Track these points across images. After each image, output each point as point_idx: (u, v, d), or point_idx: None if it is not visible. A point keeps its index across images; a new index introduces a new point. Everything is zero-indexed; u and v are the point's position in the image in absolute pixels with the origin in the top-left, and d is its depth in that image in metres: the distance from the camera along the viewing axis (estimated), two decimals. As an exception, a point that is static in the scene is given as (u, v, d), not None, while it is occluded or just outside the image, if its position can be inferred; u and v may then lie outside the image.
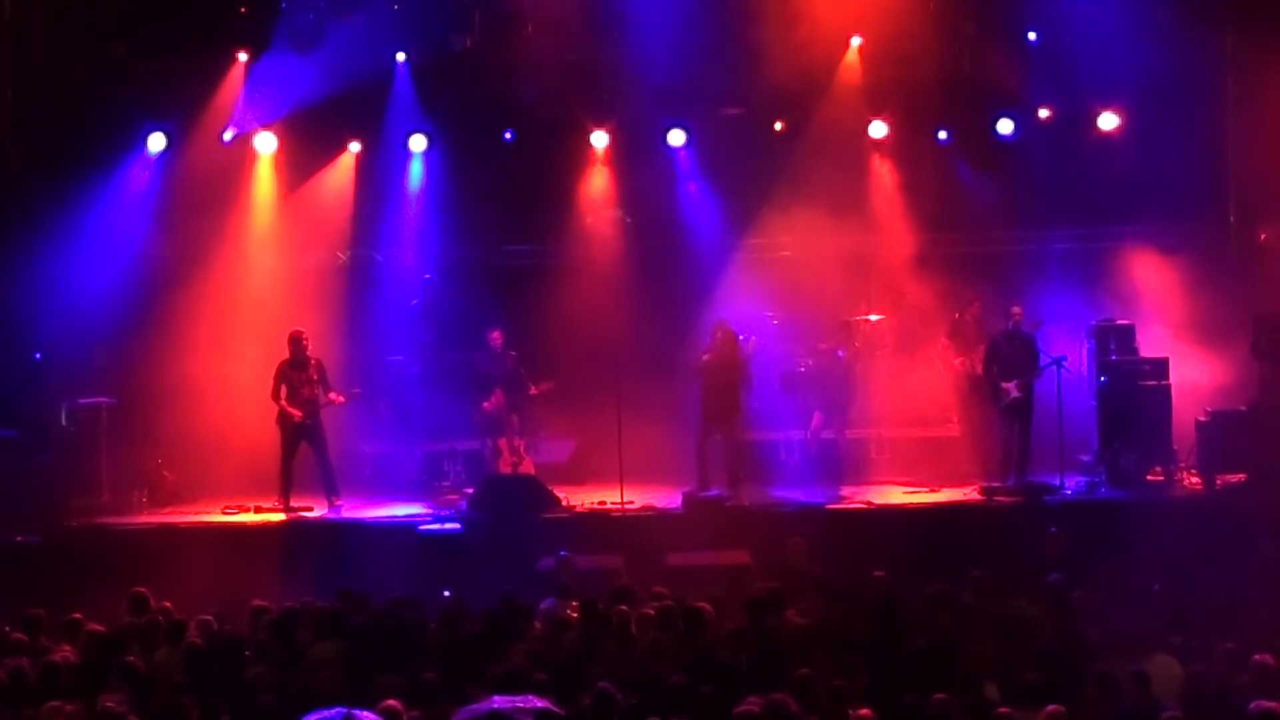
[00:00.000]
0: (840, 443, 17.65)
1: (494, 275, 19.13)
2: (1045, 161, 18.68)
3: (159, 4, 18.11)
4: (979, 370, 17.08)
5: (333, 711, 5.38)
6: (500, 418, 17.15)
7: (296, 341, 16.46)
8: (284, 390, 16.41)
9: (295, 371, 16.45)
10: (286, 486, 16.49)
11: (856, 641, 11.15)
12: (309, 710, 9.48)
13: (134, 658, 10.83)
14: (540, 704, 8.58)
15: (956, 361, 17.60)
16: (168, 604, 12.22)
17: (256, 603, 12.36)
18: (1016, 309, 16.81)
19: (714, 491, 16.47)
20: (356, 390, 16.93)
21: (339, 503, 16.58)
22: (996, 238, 19.23)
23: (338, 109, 18.24)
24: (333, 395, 16.58)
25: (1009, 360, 16.59)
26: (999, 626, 11.28)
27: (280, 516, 16.35)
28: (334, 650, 11.18)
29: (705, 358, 16.57)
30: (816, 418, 17.52)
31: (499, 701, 7.34)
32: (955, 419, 17.71)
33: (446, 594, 13.12)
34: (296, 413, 16.34)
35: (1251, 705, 8.75)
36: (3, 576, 14.75)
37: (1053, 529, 13.97)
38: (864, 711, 8.88)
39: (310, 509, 16.50)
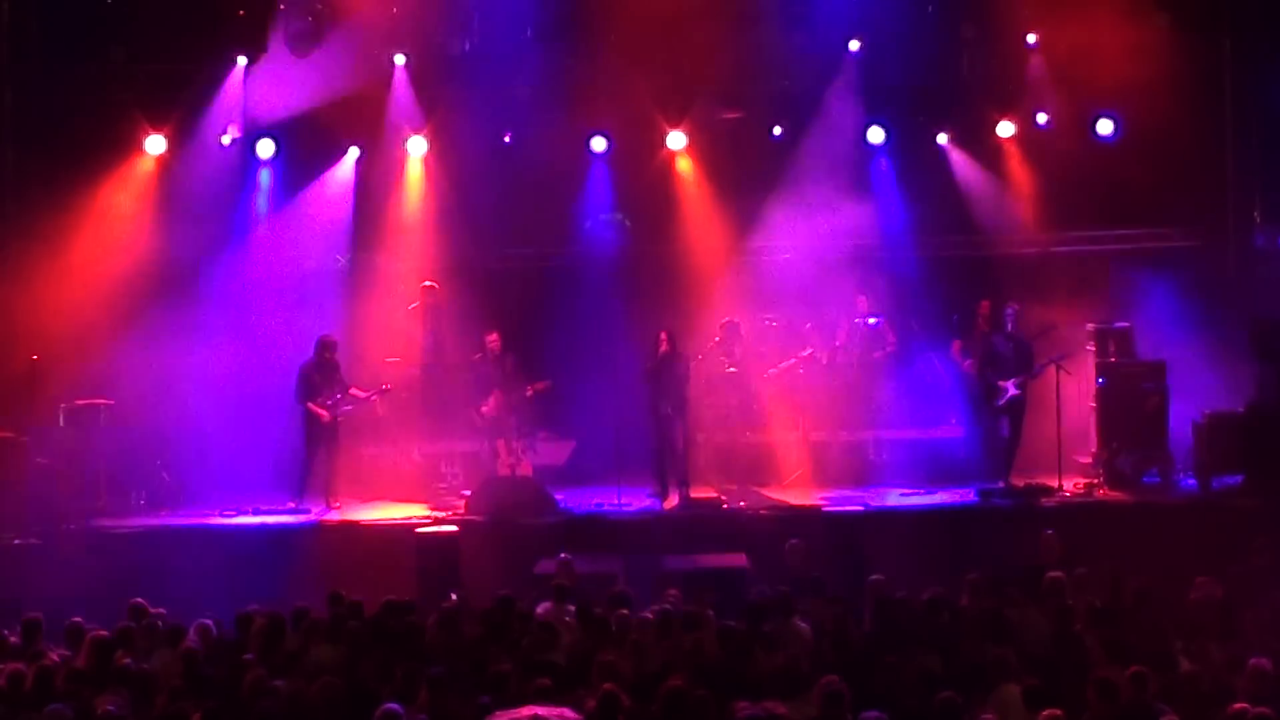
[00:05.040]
0: (836, 445, 17.70)
1: (493, 278, 19.14)
2: (1044, 166, 18.71)
3: (157, 7, 18.10)
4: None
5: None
6: (498, 420, 17.17)
7: (329, 346, 16.62)
8: (309, 393, 16.55)
9: (319, 374, 16.57)
10: (303, 486, 16.65)
11: (854, 645, 11.14)
12: (307, 715, 9.58)
13: (132, 662, 10.85)
14: (574, 716, 8.71)
15: (966, 364, 17.63)
16: (161, 611, 12.22)
17: (255, 606, 12.34)
18: (1012, 309, 16.92)
19: (711, 493, 16.56)
20: (387, 386, 17.01)
21: (337, 504, 16.61)
22: (995, 241, 19.24)
23: (336, 112, 18.27)
24: (354, 391, 16.70)
25: (1006, 360, 16.71)
26: (996, 630, 11.27)
27: (278, 519, 16.36)
28: (332, 654, 11.18)
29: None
30: (802, 422, 17.62)
31: (540, 710, 7.49)
32: (958, 421, 17.69)
33: (454, 596, 13.13)
34: (325, 414, 16.44)
35: (1231, 707, 8.75)
36: (0, 579, 14.75)
37: (1048, 531, 13.97)
38: (871, 715, 8.87)
39: (308, 511, 16.53)
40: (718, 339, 17.57)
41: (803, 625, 11.52)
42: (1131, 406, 16.75)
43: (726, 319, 17.70)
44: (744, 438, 17.72)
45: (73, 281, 17.33)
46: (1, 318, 17.25)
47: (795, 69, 18.14)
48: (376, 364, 17.95)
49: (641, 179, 19.06)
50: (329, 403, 16.62)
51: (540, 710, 8.53)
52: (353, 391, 16.75)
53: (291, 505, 16.57)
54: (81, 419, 17.04)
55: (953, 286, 18.54)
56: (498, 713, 8.81)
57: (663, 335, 16.68)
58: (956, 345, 17.89)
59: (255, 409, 16.99)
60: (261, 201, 18.73)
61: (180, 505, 17.12)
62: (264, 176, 18.71)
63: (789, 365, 17.79)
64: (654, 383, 16.68)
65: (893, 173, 18.99)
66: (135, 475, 17.23)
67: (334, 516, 16.45)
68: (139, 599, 12.28)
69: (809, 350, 17.83)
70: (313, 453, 16.72)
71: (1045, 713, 9.02)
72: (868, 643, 11.16)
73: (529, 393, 17.28)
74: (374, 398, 16.94)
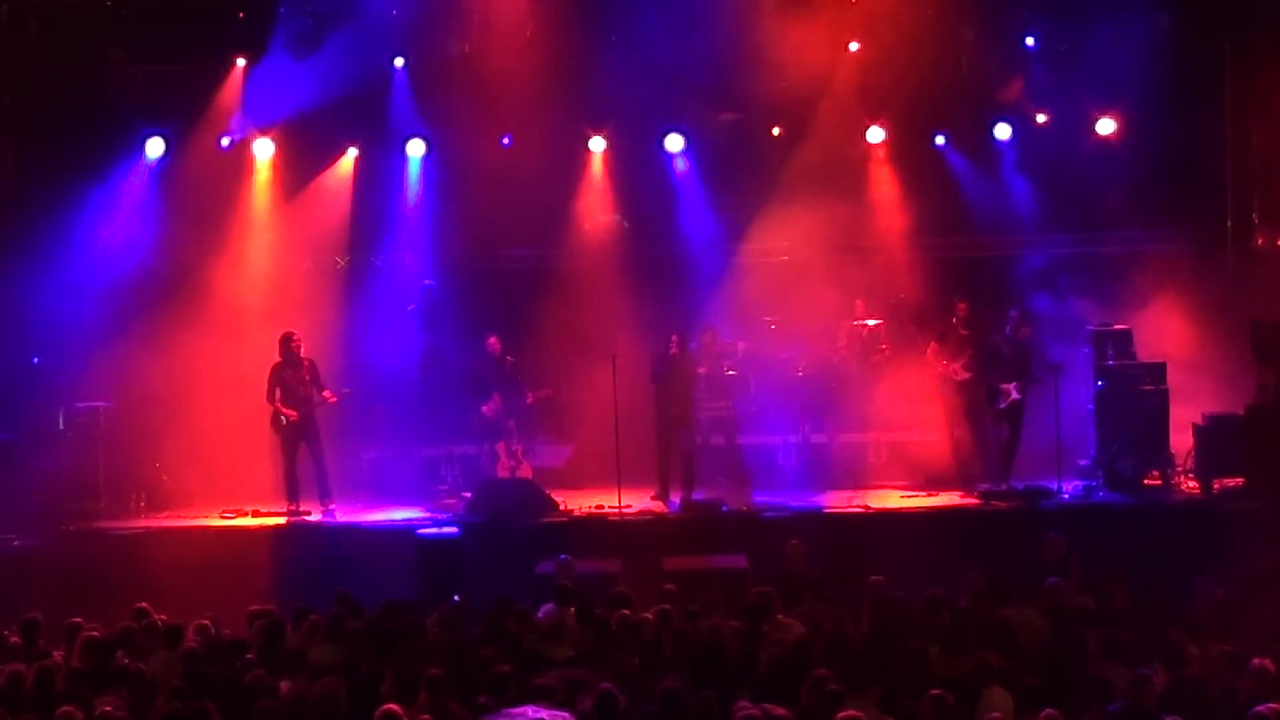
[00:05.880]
0: (835, 447, 17.71)
1: (492, 280, 19.15)
2: (1043, 166, 18.72)
3: (157, 9, 18.12)
4: (966, 375, 17.07)
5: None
6: (498, 422, 17.16)
7: (287, 343, 16.52)
8: (278, 393, 16.45)
9: (289, 372, 16.51)
10: (293, 489, 16.58)
11: (853, 645, 11.13)
12: (308, 715, 9.58)
13: (130, 662, 10.84)
14: (566, 716, 8.72)
15: (944, 365, 17.58)
16: (163, 616, 12.20)
17: (254, 606, 12.35)
18: (1016, 312, 16.92)
19: (709, 495, 16.56)
20: (346, 390, 16.97)
21: (332, 506, 16.59)
22: (994, 243, 19.25)
23: (336, 114, 18.30)
24: (325, 394, 16.63)
25: (1010, 363, 16.69)
26: (996, 631, 11.27)
27: (278, 521, 16.36)
28: (334, 654, 11.17)
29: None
30: (804, 424, 17.62)
31: (533, 712, 7.51)
32: (943, 424, 17.68)
33: (456, 598, 13.12)
34: (292, 413, 16.40)
35: (1251, 710, 8.73)
36: (0, 581, 14.75)
37: (1052, 533, 13.95)
38: (850, 713, 8.87)
39: (308, 513, 16.52)
40: (694, 345, 17.56)
41: (800, 626, 11.53)
42: (1131, 409, 16.73)
43: (707, 325, 17.74)
44: (743, 440, 17.70)
45: (73, 283, 17.32)
46: (2, 319, 17.24)
47: (794, 69, 18.10)
48: (376, 365, 17.96)
49: (641, 179, 19.06)
50: (295, 402, 16.51)
51: (534, 713, 8.54)
52: (324, 394, 16.68)
53: (290, 508, 16.54)
54: (81, 421, 17.06)
55: (952, 288, 18.50)
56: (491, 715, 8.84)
57: (674, 339, 16.67)
58: (933, 348, 17.81)
59: (254, 411, 16.95)
60: (260, 203, 18.69)
61: (179, 507, 17.10)
62: (263, 178, 18.68)
63: (799, 352, 17.84)
64: (661, 385, 16.68)
65: (891, 173, 19.00)
66: (134, 477, 17.21)
67: (332, 518, 16.41)
68: (143, 603, 12.27)
69: (802, 346, 17.91)
70: (289, 454, 16.57)
71: (1043, 714, 9.02)
72: (866, 643, 11.15)
73: (530, 400, 17.28)
74: (335, 400, 16.81)
